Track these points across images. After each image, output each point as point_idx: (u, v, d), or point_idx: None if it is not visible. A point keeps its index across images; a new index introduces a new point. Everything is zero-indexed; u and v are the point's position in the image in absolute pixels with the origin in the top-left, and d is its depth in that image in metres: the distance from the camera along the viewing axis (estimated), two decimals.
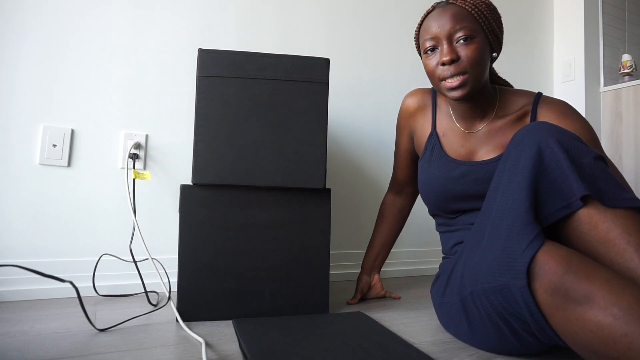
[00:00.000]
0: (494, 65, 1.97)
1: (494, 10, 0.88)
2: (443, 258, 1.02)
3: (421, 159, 1.00)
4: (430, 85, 1.73)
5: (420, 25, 0.92)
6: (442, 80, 0.86)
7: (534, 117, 0.90)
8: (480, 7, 0.85)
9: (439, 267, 1.00)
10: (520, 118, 0.91)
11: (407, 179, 1.14)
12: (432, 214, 1.04)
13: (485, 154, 0.91)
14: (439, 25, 0.85)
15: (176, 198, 1.26)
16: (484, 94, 0.91)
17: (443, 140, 0.97)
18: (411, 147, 1.09)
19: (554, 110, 0.88)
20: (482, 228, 0.75)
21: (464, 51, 0.84)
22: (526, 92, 0.94)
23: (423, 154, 1.00)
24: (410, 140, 1.08)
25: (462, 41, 0.84)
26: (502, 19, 2.02)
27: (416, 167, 1.11)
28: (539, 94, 0.91)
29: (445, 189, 0.93)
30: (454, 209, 0.95)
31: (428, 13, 0.90)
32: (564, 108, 0.89)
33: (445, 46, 0.84)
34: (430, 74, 0.88)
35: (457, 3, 0.86)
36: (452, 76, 0.84)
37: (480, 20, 0.86)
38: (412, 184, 1.15)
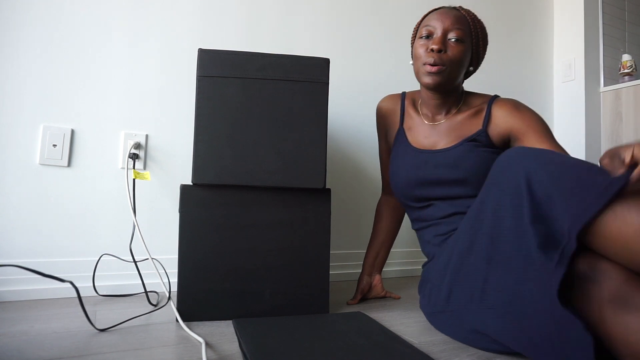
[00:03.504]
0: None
1: (485, 36, 1.01)
2: (423, 265, 1.03)
3: (391, 154, 1.10)
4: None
5: (423, 18, 1.03)
6: (424, 64, 0.96)
7: (488, 111, 1.00)
8: (477, 25, 0.99)
9: (422, 275, 1.02)
10: (477, 113, 1.01)
11: None
12: (406, 207, 1.09)
13: (445, 144, 1.00)
14: (440, 20, 0.96)
15: (176, 198, 1.26)
16: (452, 93, 1.02)
17: (409, 133, 1.07)
18: (389, 148, 1.17)
19: (507, 105, 0.98)
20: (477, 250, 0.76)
21: (451, 49, 0.95)
22: (485, 94, 1.06)
23: (393, 149, 1.10)
24: (386, 142, 1.18)
25: (453, 40, 0.95)
26: (503, 19, 2.02)
27: None
28: (495, 95, 1.03)
29: (409, 176, 1.01)
30: (419, 195, 1.01)
31: (434, 10, 1.01)
32: (516, 103, 0.99)
33: (438, 36, 0.95)
34: (417, 57, 0.98)
35: (462, 12, 0.98)
36: (433, 64, 0.94)
37: (473, 34, 0.98)
38: None
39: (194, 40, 1.31)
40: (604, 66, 2.10)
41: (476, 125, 1.00)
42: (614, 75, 2.12)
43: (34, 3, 1.12)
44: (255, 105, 0.94)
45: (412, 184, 1.00)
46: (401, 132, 1.08)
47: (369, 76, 1.61)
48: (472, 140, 0.97)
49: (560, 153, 0.70)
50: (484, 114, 1.01)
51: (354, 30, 1.59)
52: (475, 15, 1.00)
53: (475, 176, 0.94)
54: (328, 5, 1.54)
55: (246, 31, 1.40)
